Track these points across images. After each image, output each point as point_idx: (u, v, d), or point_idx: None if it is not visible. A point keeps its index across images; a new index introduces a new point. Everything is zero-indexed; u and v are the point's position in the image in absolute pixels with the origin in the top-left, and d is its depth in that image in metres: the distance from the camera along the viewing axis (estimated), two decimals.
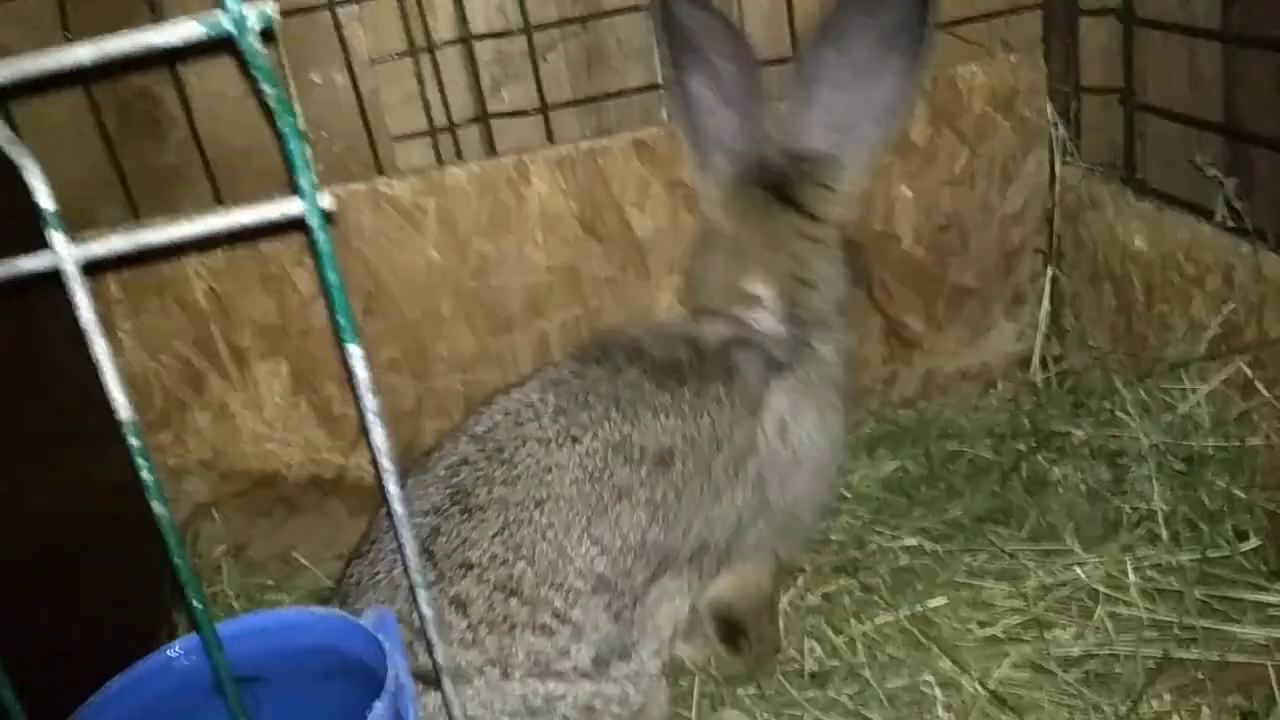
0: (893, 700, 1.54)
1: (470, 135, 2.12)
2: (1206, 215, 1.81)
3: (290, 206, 0.62)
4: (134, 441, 0.66)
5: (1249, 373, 1.69)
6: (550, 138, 2.10)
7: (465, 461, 1.47)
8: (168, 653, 1.08)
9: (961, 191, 2.18)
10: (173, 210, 2.00)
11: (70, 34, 1.89)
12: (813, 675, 1.64)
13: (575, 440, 1.46)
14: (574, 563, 1.39)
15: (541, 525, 1.39)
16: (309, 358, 2.07)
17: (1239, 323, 1.73)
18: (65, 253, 0.62)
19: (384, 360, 2.08)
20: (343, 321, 0.65)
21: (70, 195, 1.94)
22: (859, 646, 1.65)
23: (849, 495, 2.03)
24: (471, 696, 1.29)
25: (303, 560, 2.11)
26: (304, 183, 0.61)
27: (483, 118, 2.10)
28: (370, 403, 0.66)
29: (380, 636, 1.01)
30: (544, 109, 2.09)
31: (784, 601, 1.79)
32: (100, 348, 0.65)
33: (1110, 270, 2.05)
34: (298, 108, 2.00)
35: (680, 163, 2.04)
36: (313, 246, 0.64)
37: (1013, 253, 2.25)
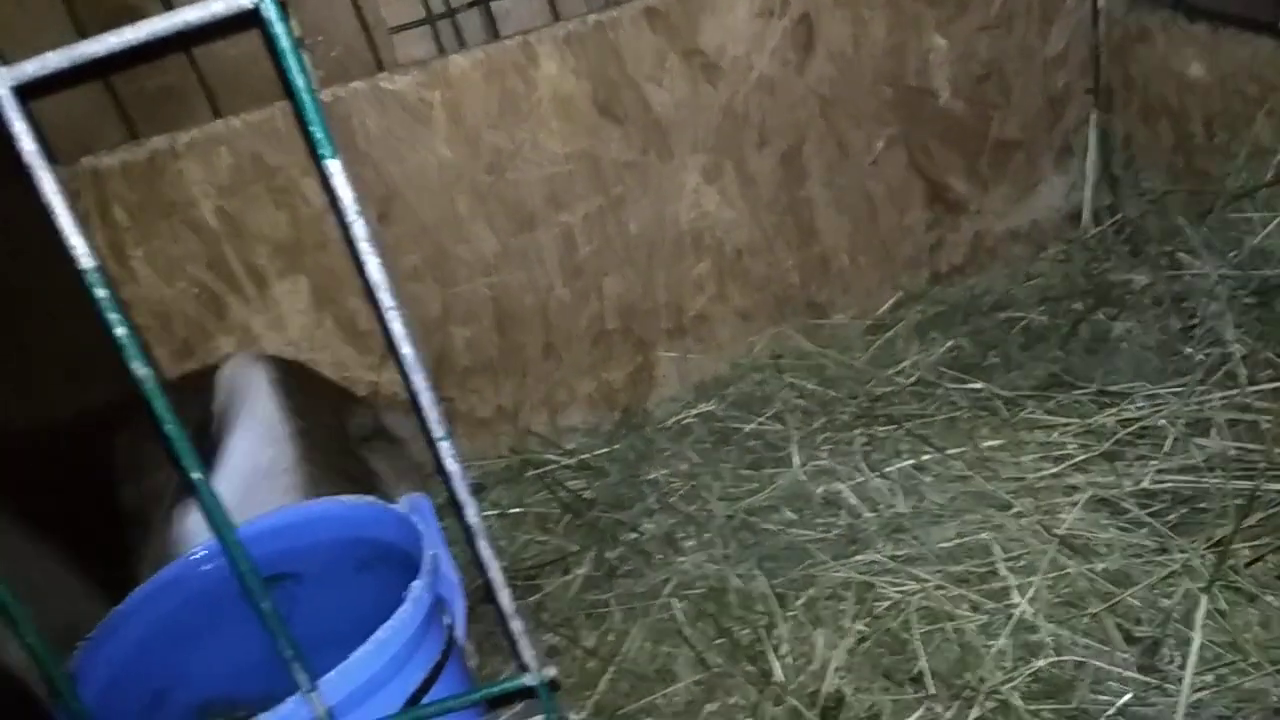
0: (943, 557, 1.46)
1: (471, 20, 2.01)
2: (1267, 30, 1.67)
3: None
4: (100, 292, 0.59)
5: None
6: (555, 14, 1.98)
7: None
8: (194, 556, 1.02)
9: (999, 36, 2.05)
10: (170, 121, 1.91)
11: None
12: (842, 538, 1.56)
13: None
14: None
15: None
16: (328, 272, 1.99)
17: None
18: None
19: (406, 268, 2.00)
20: (317, 133, 0.57)
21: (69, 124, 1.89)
22: (898, 491, 1.57)
23: (900, 383, 1.93)
24: None
25: None
26: None
27: (483, 0, 1.99)
28: (360, 228, 0.58)
29: (415, 519, 0.95)
30: None
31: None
32: (49, 184, 0.57)
33: (1166, 105, 1.91)
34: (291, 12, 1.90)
35: (697, 28, 1.92)
36: (274, 50, 0.55)
37: (1058, 99, 2.11)
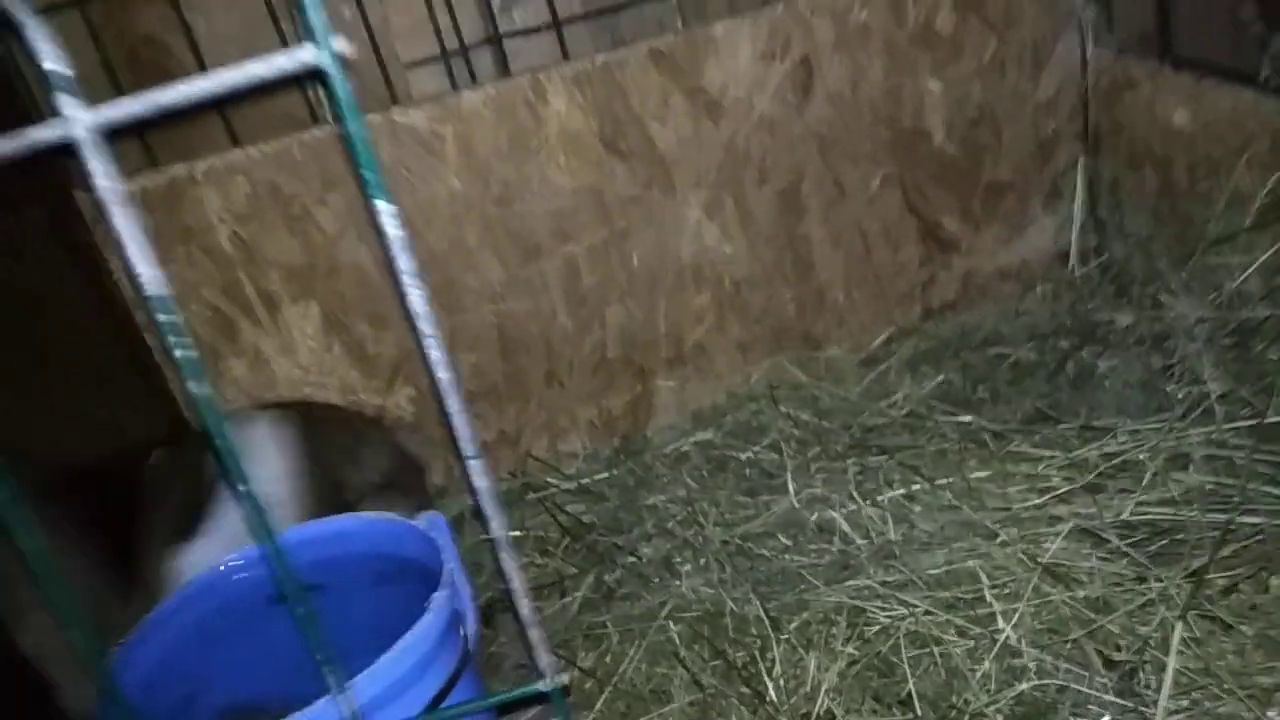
0: (931, 584, 1.51)
1: (483, 58, 2.08)
2: (1249, 80, 1.75)
3: (303, 54, 0.59)
4: (165, 318, 0.64)
5: None
6: (565, 53, 2.06)
7: None
8: (227, 565, 1.07)
9: (991, 81, 2.12)
10: (187, 149, 1.97)
11: None
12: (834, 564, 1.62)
13: None
14: None
15: None
16: (338, 297, 2.05)
17: None
18: (79, 118, 0.60)
19: None
20: (369, 176, 0.62)
21: None
22: (889, 519, 1.63)
23: (892, 415, 2.00)
24: None
25: None
26: (314, 22, 0.58)
27: (495, 39, 2.06)
28: (404, 263, 0.63)
29: (433, 535, 1.00)
30: (556, 24, 2.04)
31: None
32: (121, 219, 0.62)
33: (1150, 151, 1.99)
34: None
35: (701, 69, 2.00)
36: (330, 96, 0.61)
37: (1048, 143, 2.19)
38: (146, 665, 1.05)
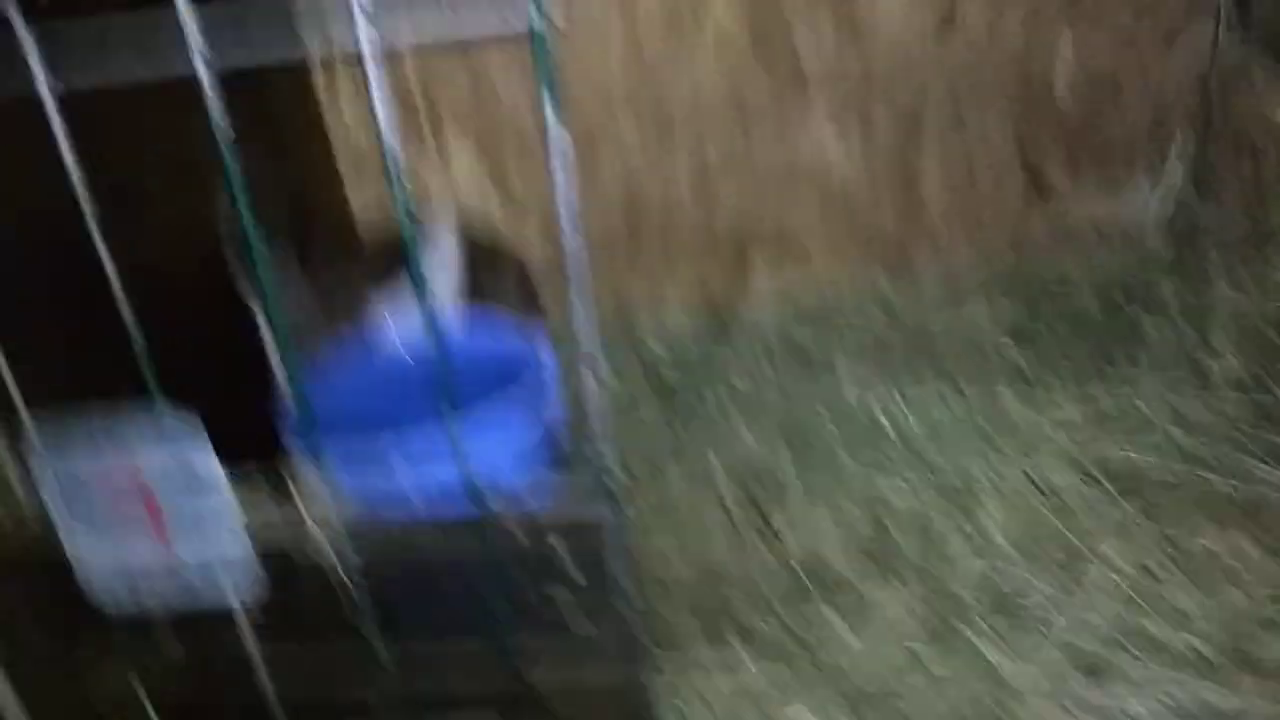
0: (939, 473, 1.79)
1: None
2: None
3: (518, 22, 0.87)
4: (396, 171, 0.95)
5: None
6: None
7: None
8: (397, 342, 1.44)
9: (1122, 49, 2.26)
10: None
11: None
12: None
13: None
14: None
15: None
16: (491, 133, 2.34)
17: None
18: None
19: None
20: (549, 95, 0.91)
21: None
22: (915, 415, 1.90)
23: (954, 331, 2.24)
24: None
25: None
26: None
27: None
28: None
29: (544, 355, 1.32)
30: None
31: None
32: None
33: (1251, 142, 2.12)
34: None
35: None
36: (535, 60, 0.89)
37: (1161, 116, 2.33)
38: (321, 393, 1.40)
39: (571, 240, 0.96)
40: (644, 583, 1.68)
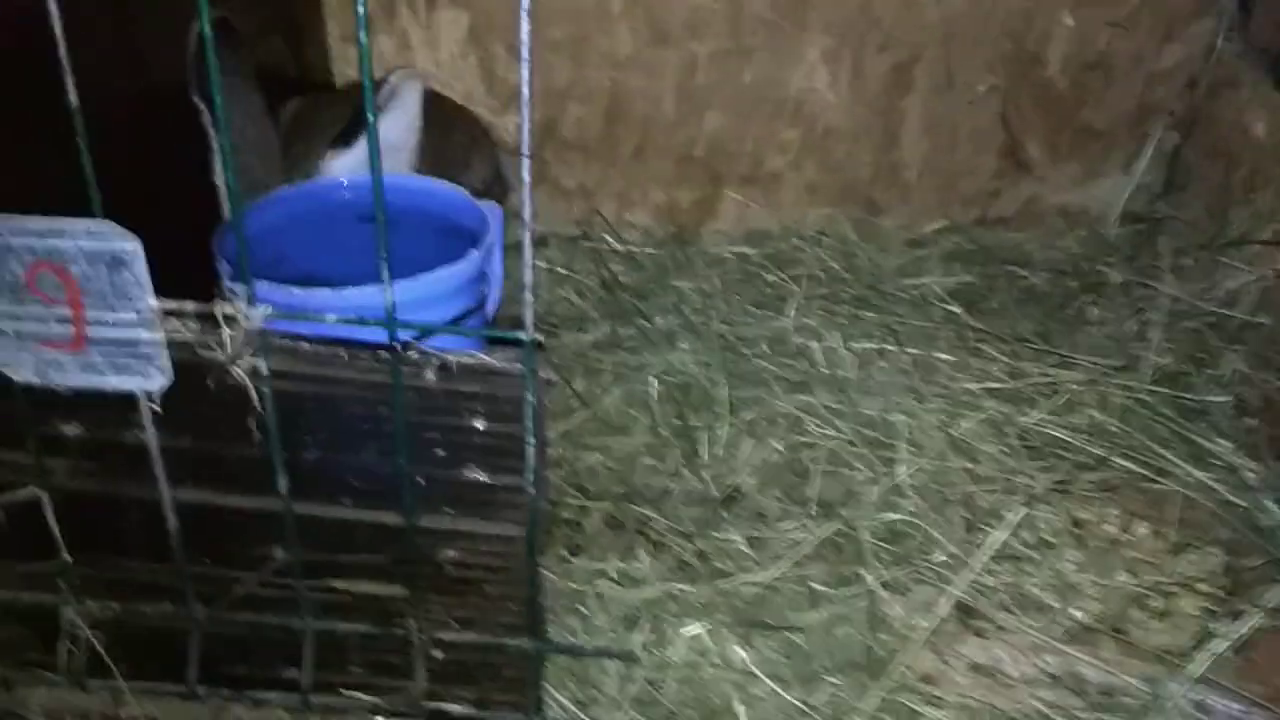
0: (867, 425, 1.83)
1: None
2: None
3: None
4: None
5: None
6: None
7: None
8: (336, 182, 1.41)
9: (1120, 36, 2.26)
10: None
11: None
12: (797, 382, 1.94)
13: None
14: None
15: None
16: (486, 16, 2.31)
17: None
18: None
19: (548, 39, 2.31)
20: None
21: None
22: (853, 363, 1.95)
23: (906, 289, 2.26)
24: None
25: None
26: None
27: None
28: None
29: (490, 219, 1.31)
30: None
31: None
32: None
33: (1227, 149, 2.14)
34: None
35: None
36: None
37: (1147, 109, 2.34)
38: (257, 227, 1.39)
39: (525, 122, 0.94)
40: (566, 490, 1.72)
